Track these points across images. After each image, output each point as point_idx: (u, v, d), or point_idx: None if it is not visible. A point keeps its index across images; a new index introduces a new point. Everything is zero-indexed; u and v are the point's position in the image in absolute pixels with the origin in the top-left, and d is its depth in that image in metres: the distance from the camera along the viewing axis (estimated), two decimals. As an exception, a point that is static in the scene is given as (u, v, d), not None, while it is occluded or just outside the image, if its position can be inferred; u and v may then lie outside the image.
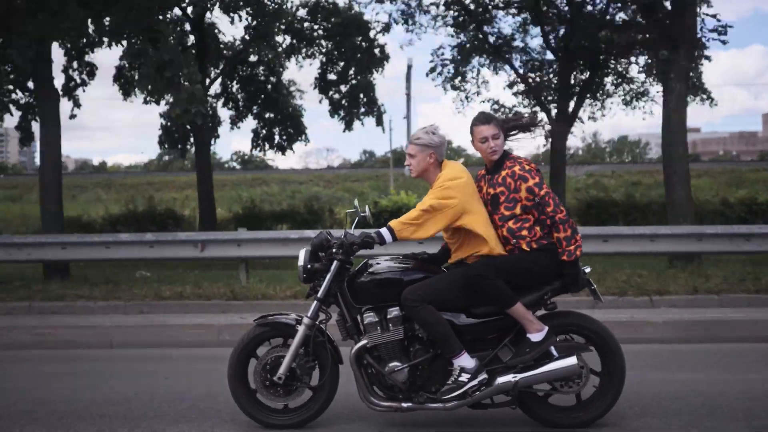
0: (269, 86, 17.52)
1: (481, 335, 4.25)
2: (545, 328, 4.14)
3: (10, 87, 12.68)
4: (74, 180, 36.02)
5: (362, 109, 17.48)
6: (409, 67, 34.63)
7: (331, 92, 17.52)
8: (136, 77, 12.68)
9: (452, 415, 4.46)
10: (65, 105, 33.67)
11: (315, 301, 4.32)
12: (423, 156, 4.29)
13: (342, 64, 17.26)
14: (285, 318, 4.44)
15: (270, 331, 4.44)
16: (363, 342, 4.22)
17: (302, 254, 4.36)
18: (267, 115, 17.80)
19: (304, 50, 17.18)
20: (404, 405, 4.21)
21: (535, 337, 4.12)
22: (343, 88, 17.43)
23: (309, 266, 4.32)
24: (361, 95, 17.28)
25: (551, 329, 4.19)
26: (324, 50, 17.26)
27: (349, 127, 17.52)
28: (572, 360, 4.14)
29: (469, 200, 4.16)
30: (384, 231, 4.13)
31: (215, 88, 17.14)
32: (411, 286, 4.15)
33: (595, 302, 4.44)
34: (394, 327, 4.19)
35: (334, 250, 4.25)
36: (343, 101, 17.41)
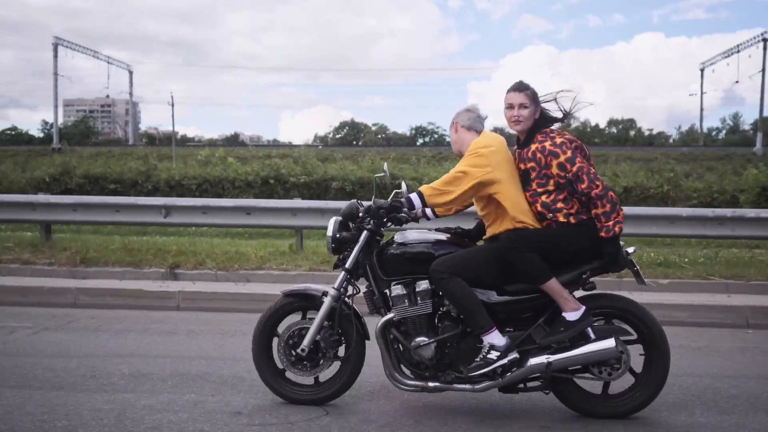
0: None
1: (513, 314, 4.03)
2: (582, 308, 3.91)
3: None
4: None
5: None
6: None
7: None
8: None
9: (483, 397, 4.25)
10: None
11: (342, 272, 4.18)
12: (452, 130, 4.23)
13: None
14: (312, 290, 4.31)
15: (296, 302, 4.31)
16: (390, 315, 4.06)
17: (331, 224, 4.23)
18: None
19: None
20: (431, 384, 4.02)
21: (571, 316, 3.88)
22: None
23: (338, 236, 4.19)
24: None
25: (589, 310, 3.95)
26: None
27: None
28: (610, 342, 3.89)
29: (502, 169, 3.96)
30: (413, 196, 3.98)
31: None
32: (441, 258, 3.98)
33: (638, 285, 4.17)
34: (422, 300, 4.02)
35: (361, 215, 4.12)
36: None
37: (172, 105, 68.93)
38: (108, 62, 64.11)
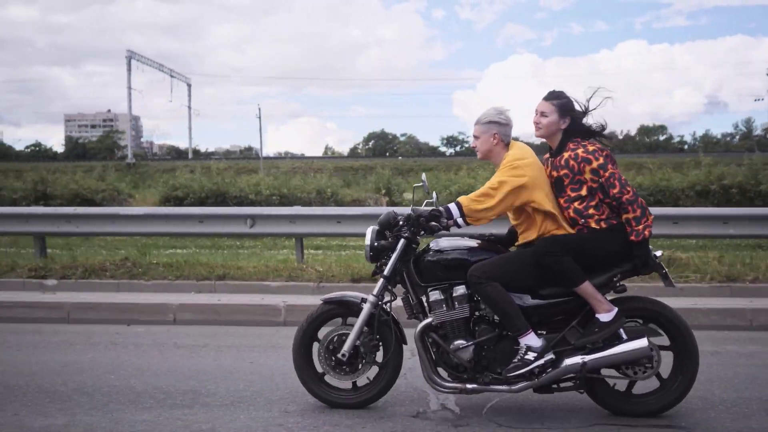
0: None
1: (547, 317, 4.19)
2: (615, 309, 4.06)
3: None
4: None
5: None
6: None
7: None
8: None
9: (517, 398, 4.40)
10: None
11: (381, 279, 4.33)
12: (487, 136, 4.29)
13: None
14: (351, 297, 4.47)
15: (336, 308, 4.46)
16: (428, 319, 4.21)
17: (369, 233, 4.39)
18: None
19: None
20: (469, 386, 4.17)
21: (605, 317, 4.04)
22: None
23: (375, 244, 4.34)
24: None
25: (622, 312, 4.10)
26: None
27: None
28: (643, 342, 4.04)
29: (537, 180, 4.13)
30: (452, 206, 4.14)
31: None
32: (478, 263, 4.14)
33: (666, 287, 4.33)
34: (459, 305, 4.17)
35: (401, 223, 4.27)
36: None
37: (260, 117, 67.29)
38: (171, 75, 64.51)
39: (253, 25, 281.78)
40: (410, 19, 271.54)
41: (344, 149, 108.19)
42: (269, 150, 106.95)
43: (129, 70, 58.05)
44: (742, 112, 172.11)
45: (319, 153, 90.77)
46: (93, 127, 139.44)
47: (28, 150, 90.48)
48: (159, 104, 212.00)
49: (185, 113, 64.58)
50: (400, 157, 56.27)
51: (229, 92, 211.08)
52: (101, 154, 71.75)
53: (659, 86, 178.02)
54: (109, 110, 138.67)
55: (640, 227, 4.03)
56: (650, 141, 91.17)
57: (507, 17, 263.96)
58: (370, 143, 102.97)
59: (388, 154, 79.93)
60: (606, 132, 4.35)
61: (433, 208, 4.23)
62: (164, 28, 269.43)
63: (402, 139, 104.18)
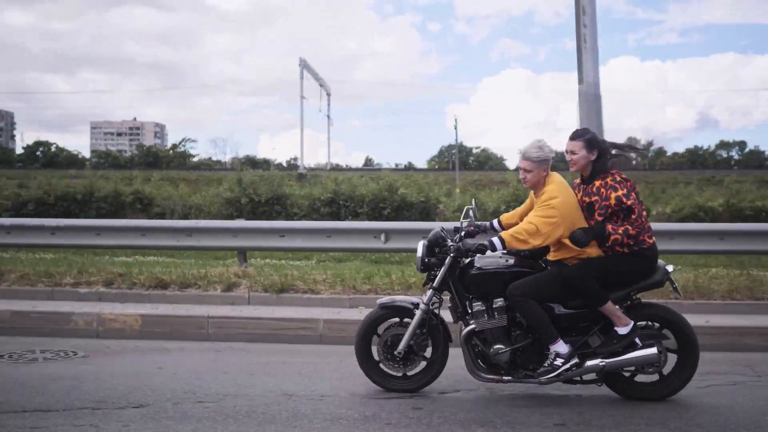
0: None
1: (574, 324, 4.95)
2: (631, 323, 4.81)
3: None
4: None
5: None
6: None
7: None
8: None
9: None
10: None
11: (431, 290, 5.07)
12: (538, 171, 4.90)
13: None
14: (403, 302, 5.24)
15: (391, 312, 5.24)
16: (472, 326, 4.97)
17: (420, 247, 5.11)
18: None
19: None
20: (505, 378, 4.98)
21: (622, 330, 4.80)
22: None
23: (426, 259, 5.07)
24: None
25: (638, 320, 4.85)
26: None
27: None
28: (653, 350, 4.81)
29: (569, 215, 4.77)
30: (496, 241, 4.79)
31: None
32: (516, 282, 4.85)
33: (675, 297, 5.07)
34: (499, 315, 4.93)
35: (452, 255, 4.96)
36: None
37: (456, 127, 64.32)
38: (320, 85, 63.18)
39: (249, 36, 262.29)
40: (406, 32, 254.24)
41: (358, 161, 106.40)
42: (282, 160, 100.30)
43: (302, 78, 56.72)
44: (733, 130, 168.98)
45: (359, 164, 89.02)
46: (119, 135, 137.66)
47: (95, 160, 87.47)
48: (152, 113, 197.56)
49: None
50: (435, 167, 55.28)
51: (225, 102, 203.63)
52: (174, 162, 69.33)
53: (651, 102, 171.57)
54: (134, 118, 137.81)
55: (618, 236, 4.66)
56: (728, 157, 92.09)
57: (502, 32, 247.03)
58: (444, 155, 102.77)
59: (465, 166, 79.61)
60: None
61: (480, 243, 4.88)
62: (161, 37, 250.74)
63: (476, 151, 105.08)
